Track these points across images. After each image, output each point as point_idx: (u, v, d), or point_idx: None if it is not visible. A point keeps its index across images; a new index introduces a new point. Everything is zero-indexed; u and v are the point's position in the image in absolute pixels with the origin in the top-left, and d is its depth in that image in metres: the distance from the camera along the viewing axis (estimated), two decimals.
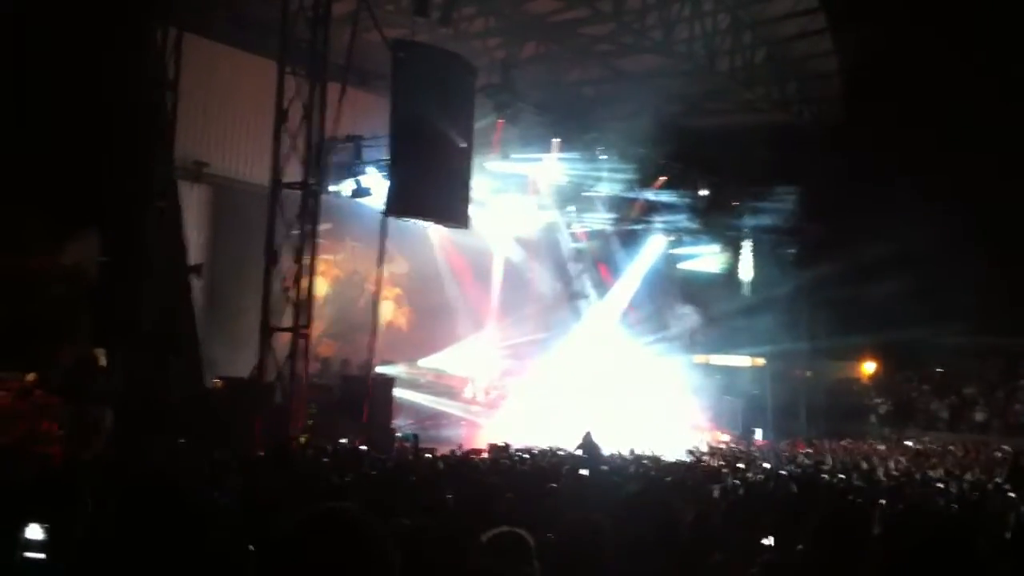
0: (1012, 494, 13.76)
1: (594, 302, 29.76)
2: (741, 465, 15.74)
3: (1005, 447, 22.27)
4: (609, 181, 26.99)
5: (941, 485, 14.55)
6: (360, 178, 21.24)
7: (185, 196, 21.58)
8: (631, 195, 28.00)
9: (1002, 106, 26.83)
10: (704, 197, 28.62)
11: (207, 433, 13.46)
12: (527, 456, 15.71)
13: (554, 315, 29.04)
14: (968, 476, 17.39)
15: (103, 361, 16.19)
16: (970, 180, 27.87)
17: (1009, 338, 30.74)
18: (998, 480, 15.87)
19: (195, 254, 21.66)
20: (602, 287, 30.08)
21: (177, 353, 17.90)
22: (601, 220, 29.23)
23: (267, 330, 17.45)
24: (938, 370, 33.05)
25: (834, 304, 28.40)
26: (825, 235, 28.84)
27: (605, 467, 14.12)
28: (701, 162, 27.92)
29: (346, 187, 21.50)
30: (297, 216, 17.84)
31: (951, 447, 24.46)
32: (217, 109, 23.10)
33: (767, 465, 16.91)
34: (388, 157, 19.31)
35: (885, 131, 26.98)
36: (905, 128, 26.62)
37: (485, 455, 15.77)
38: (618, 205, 28.61)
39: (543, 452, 16.94)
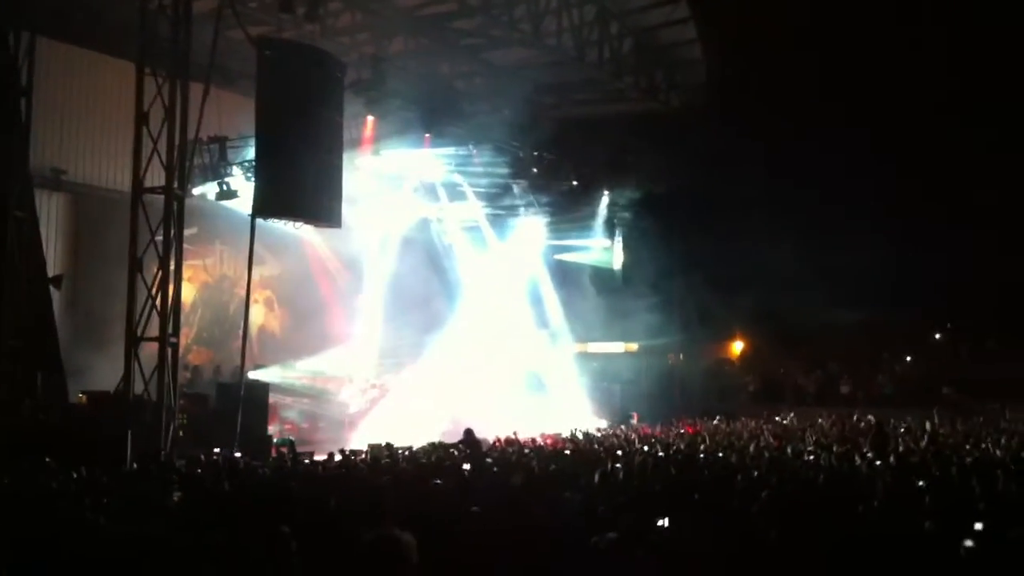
0: (878, 462, 14.46)
1: (469, 296, 29.78)
2: (620, 452, 15.99)
3: (870, 417, 23.25)
4: (482, 175, 27.06)
5: (811, 457, 15.14)
6: (226, 180, 20.75)
7: (44, 205, 20.75)
8: (504, 187, 28.14)
9: (860, 86, 28.06)
10: (576, 187, 29.02)
11: (73, 450, 12.96)
12: (406, 454, 15.68)
13: (430, 311, 28.95)
14: (835, 447, 18.11)
15: None
16: (836, 159, 29.14)
17: (871, 313, 32.20)
18: (866, 452, 16.59)
19: (56, 264, 20.86)
20: (477, 281, 30.13)
21: (43, 367, 17.21)
22: (475, 213, 29.30)
23: (133, 340, 16.89)
24: (804, 347, 34.35)
25: (703, 287, 29.25)
26: (693, 218, 29.61)
27: (488, 460, 14.18)
28: (573, 152, 28.27)
29: (212, 190, 20.97)
30: (161, 221, 17.30)
31: (819, 420, 25.45)
32: (75, 114, 22.29)
33: (645, 448, 17.27)
34: (254, 158, 18.87)
35: (749, 115, 27.84)
36: (769, 113, 27.54)
37: (364, 456, 15.62)
38: (492, 198, 28.72)
39: (424, 449, 16.91)
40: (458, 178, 27.14)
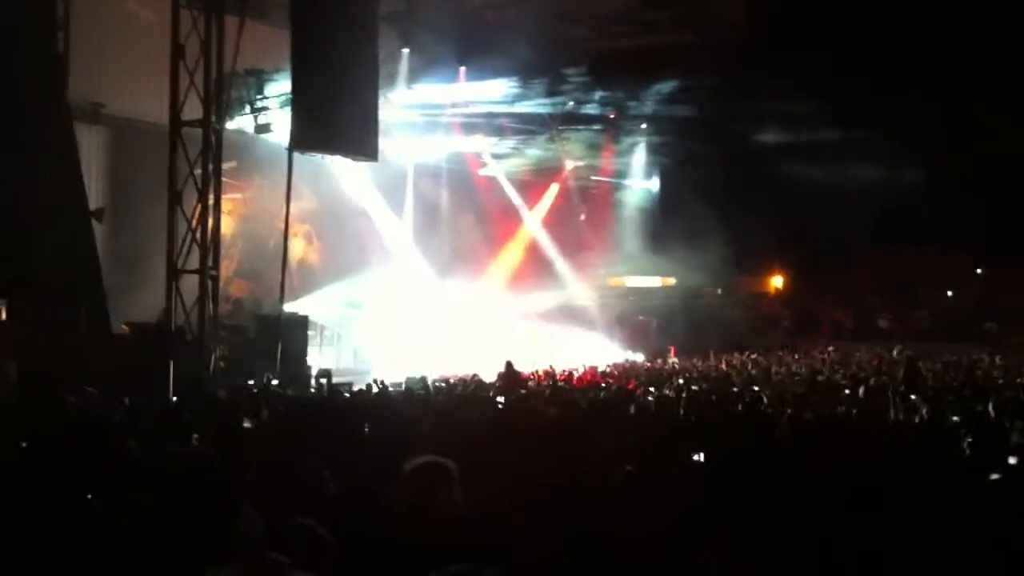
0: (912, 396, 14.41)
1: (504, 230, 29.82)
2: (653, 387, 16.05)
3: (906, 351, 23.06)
4: (516, 104, 26.85)
5: (848, 391, 15.11)
6: (263, 113, 20.78)
7: (83, 139, 20.91)
8: (540, 120, 27.95)
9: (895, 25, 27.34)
10: (613, 119, 28.79)
11: (116, 380, 13.21)
12: (443, 386, 15.86)
13: (464, 244, 29.01)
14: (872, 380, 18.04)
15: (4, 312, 15.74)
16: (872, 94, 28.57)
17: (908, 246, 31.82)
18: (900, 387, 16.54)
19: (96, 198, 21.06)
20: (513, 212, 30.13)
21: (82, 300, 17.47)
22: (511, 145, 29.16)
23: (173, 272, 17.12)
24: (842, 282, 34.07)
25: (741, 222, 28.98)
26: (732, 150, 29.23)
27: (523, 391, 14.32)
28: (608, 83, 27.96)
29: (249, 123, 21.02)
30: (199, 154, 17.41)
31: (857, 353, 25.33)
32: (112, 48, 22.30)
33: (680, 381, 17.34)
34: (290, 91, 18.86)
35: (786, 50, 27.28)
36: (805, 48, 26.96)
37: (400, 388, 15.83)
38: (527, 132, 28.54)
39: (462, 382, 17.09)
40: (494, 110, 26.94)
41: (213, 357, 17.07)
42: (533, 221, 31.16)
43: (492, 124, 27.91)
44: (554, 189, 31.94)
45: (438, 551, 3.50)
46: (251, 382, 15.61)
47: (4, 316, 15.63)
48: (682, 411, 11.34)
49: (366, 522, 3.98)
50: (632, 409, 10.91)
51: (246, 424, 9.71)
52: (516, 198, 31.03)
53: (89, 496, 3.04)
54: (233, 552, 2.19)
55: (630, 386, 16.20)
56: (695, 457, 7.05)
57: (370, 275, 26.22)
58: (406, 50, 23.33)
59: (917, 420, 10.77)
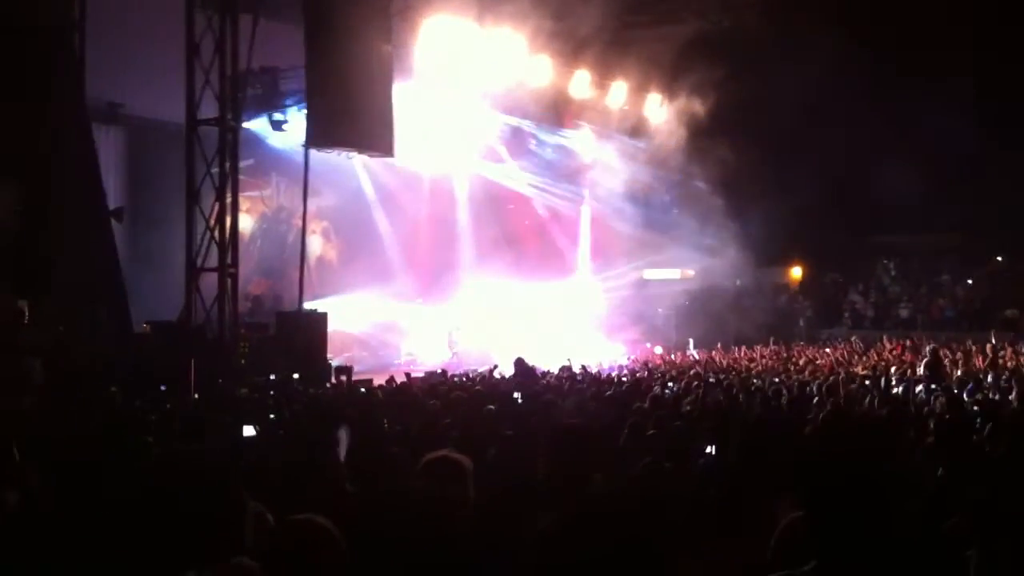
0: (934, 385, 14.36)
1: (523, 223, 29.80)
2: (670, 381, 16.03)
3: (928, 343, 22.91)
4: None
5: (868, 382, 15.03)
6: (279, 111, 20.88)
7: (101, 139, 21.05)
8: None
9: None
10: (627, 111, 28.71)
11: (139, 380, 13.33)
12: (466, 381, 15.89)
13: (484, 240, 29.01)
14: (893, 370, 17.96)
15: (27, 313, 15.87)
16: (892, 80, 28.39)
17: (930, 234, 31.58)
18: (920, 372, 16.46)
19: (114, 198, 21.21)
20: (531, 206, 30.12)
21: (103, 300, 17.60)
22: (526, 139, 29.09)
23: (193, 271, 17.24)
24: (862, 271, 33.90)
25: (760, 211, 28.83)
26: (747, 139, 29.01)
27: (540, 386, 14.34)
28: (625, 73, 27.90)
29: (265, 121, 21.13)
30: (216, 153, 17.52)
31: (879, 342, 25.17)
32: (129, 49, 22.42)
33: (695, 372, 17.31)
34: (305, 88, 18.93)
35: (802, 37, 27.09)
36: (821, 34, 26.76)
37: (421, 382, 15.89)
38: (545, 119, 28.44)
39: (481, 377, 17.12)
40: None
41: (234, 356, 17.18)
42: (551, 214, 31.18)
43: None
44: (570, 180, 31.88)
45: (451, 544, 3.54)
46: (272, 377, 15.69)
47: (27, 318, 15.75)
48: (695, 405, 11.35)
49: (383, 517, 4.02)
50: (647, 403, 10.88)
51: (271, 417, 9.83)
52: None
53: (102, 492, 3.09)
54: (222, 553, 2.19)
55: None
56: (708, 450, 7.07)
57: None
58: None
59: (938, 410, 10.72)
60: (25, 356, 14.61)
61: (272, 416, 9.98)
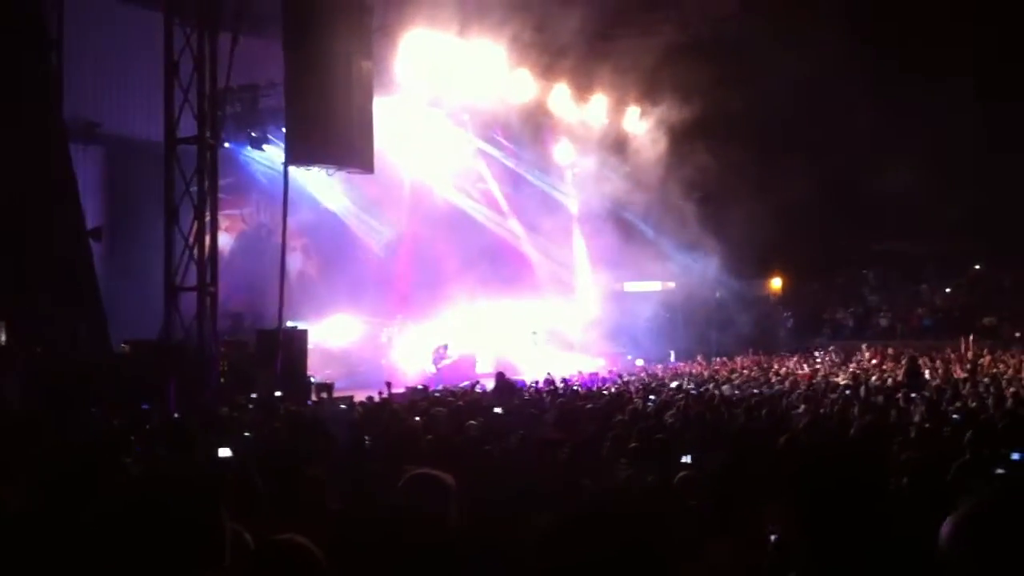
0: (913, 394, 14.44)
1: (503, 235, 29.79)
2: (651, 394, 16.06)
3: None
4: None
5: (848, 391, 15.13)
6: (258, 129, 20.83)
7: (79, 158, 20.95)
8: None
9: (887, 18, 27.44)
10: (608, 124, 28.84)
11: (118, 399, 13.24)
12: (448, 397, 15.85)
13: (464, 254, 28.96)
14: (873, 379, 18.08)
15: (3, 334, 15.78)
16: (871, 88, 28.66)
17: (907, 242, 31.86)
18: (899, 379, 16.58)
19: (92, 216, 21.10)
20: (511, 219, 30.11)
21: (82, 319, 17.50)
22: (505, 150, 29.12)
23: (172, 290, 17.15)
24: (842, 281, 34.13)
25: (740, 222, 28.96)
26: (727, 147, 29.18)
27: (520, 400, 14.34)
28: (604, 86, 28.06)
29: (245, 139, 21.08)
30: (195, 172, 17.46)
31: (858, 352, 25.37)
32: (107, 67, 22.38)
33: (676, 384, 17.36)
34: (284, 105, 18.89)
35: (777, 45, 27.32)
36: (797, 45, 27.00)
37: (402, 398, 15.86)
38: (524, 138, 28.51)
39: (463, 392, 17.10)
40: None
41: (213, 374, 17.08)
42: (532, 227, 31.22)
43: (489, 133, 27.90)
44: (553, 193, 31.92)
45: (434, 561, 3.53)
46: (253, 396, 15.59)
47: (4, 338, 15.65)
48: (677, 417, 11.37)
49: (365, 533, 4.01)
50: (626, 416, 10.92)
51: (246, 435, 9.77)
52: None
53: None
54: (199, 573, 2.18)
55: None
56: (683, 459, 7.09)
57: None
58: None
59: (917, 419, 10.79)
60: (2, 375, 14.54)
61: (247, 434, 9.91)
